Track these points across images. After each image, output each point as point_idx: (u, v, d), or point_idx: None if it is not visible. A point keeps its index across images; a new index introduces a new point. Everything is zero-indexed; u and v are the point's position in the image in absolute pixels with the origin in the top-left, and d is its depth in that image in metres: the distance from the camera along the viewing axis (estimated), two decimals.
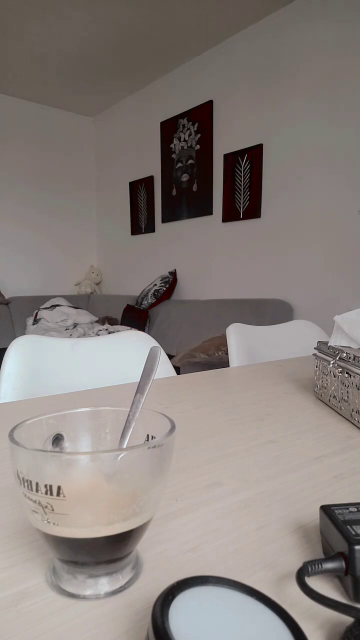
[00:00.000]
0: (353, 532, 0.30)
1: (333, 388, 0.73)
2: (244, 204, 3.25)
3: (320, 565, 0.29)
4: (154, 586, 0.31)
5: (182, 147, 3.75)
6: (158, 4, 2.83)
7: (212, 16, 2.95)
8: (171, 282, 3.80)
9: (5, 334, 4.03)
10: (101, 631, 0.27)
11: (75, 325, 3.88)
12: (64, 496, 0.27)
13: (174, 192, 3.86)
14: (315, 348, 0.82)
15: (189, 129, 3.66)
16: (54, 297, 4.29)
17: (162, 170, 3.97)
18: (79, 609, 0.28)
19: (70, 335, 3.73)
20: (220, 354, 2.57)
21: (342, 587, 0.30)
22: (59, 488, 0.27)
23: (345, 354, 0.71)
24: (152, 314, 3.84)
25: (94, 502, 0.29)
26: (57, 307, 3.96)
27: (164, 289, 3.78)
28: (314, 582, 0.31)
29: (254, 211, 3.18)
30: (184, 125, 3.71)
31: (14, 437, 0.29)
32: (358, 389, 0.65)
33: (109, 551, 0.29)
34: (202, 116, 3.53)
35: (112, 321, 3.99)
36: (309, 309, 2.88)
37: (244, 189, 3.24)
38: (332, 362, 0.74)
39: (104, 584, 0.30)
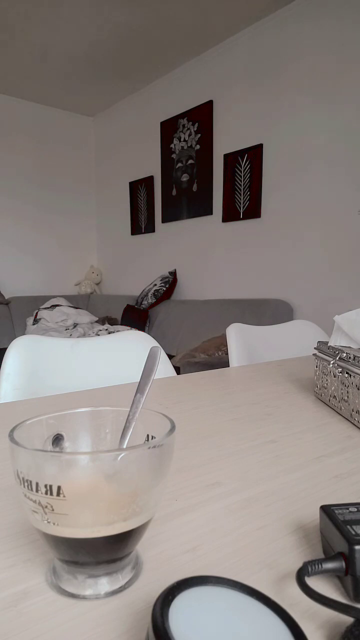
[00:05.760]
0: (353, 532, 0.30)
1: (333, 388, 0.73)
2: (244, 204, 3.25)
3: (320, 565, 0.29)
4: (154, 586, 0.31)
5: (182, 147, 3.75)
6: (158, 4, 2.83)
7: (212, 16, 2.95)
8: (171, 282, 3.80)
9: (5, 334, 4.02)
10: (101, 631, 0.27)
11: (75, 325, 3.88)
12: (64, 496, 0.27)
13: (174, 192, 3.86)
14: (315, 348, 0.82)
15: (189, 129, 3.66)
16: (54, 297, 4.29)
17: (162, 170, 3.97)
18: (79, 609, 0.28)
19: (70, 335, 3.73)
20: (220, 354, 2.57)
21: (342, 587, 0.30)
22: (59, 488, 0.27)
23: (345, 354, 0.71)
24: (152, 314, 3.83)
25: (94, 502, 0.29)
26: (57, 307, 3.96)
27: (164, 289, 3.78)
28: (314, 582, 0.31)
29: (254, 211, 3.18)
30: (184, 125, 3.70)
31: (14, 437, 0.29)
32: (358, 389, 0.65)
33: (109, 551, 0.29)
34: (202, 116, 3.53)
35: (112, 321, 3.99)
36: (309, 309, 2.88)
37: (244, 189, 3.24)
38: (332, 362, 0.74)
39: (104, 584, 0.30)
